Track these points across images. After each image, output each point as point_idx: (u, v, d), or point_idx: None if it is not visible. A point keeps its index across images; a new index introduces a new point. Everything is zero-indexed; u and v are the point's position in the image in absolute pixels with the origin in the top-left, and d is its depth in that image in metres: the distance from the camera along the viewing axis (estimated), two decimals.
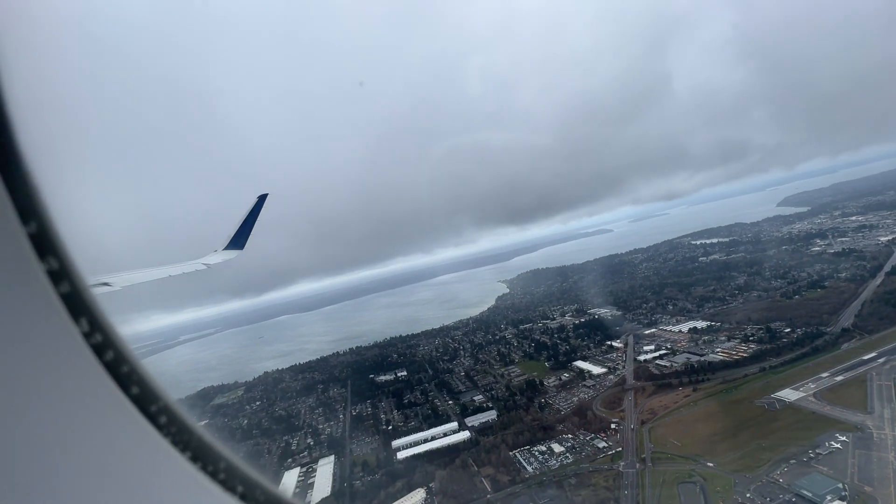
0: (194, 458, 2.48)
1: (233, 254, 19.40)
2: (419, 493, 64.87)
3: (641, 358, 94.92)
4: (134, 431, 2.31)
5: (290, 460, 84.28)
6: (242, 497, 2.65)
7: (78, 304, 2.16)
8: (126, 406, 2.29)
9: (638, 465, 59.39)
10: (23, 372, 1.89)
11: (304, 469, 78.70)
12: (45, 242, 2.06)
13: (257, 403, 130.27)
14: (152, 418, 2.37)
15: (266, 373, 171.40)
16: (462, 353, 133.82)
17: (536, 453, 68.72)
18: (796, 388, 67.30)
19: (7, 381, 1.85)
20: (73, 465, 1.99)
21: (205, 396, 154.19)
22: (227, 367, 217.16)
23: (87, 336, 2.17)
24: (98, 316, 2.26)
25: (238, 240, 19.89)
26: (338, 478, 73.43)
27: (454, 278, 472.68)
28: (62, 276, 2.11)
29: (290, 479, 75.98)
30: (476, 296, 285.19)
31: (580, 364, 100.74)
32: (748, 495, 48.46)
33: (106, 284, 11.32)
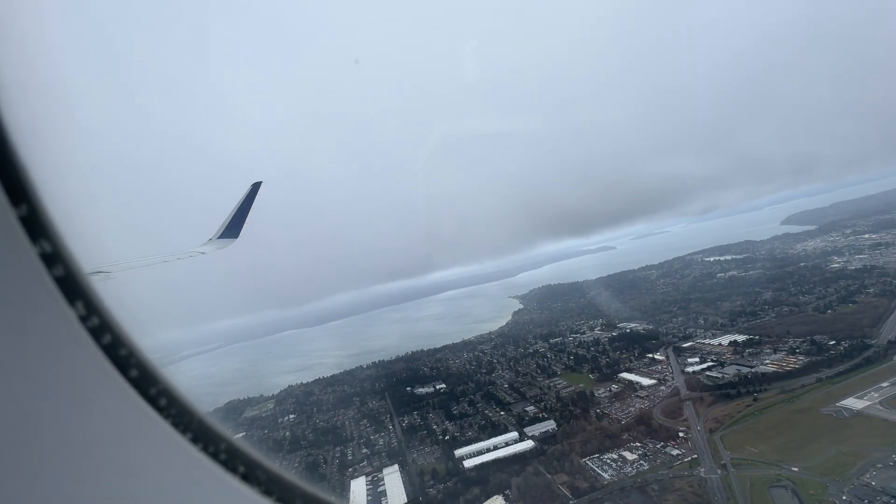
0: (195, 440, 2.53)
1: (227, 243, 19.16)
2: (497, 500, 65.84)
3: (690, 370, 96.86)
4: (134, 414, 2.33)
5: (350, 470, 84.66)
6: (244, 477, 2.70)
7: (73, 287, 2.15)
8: (125, 389, 2.30)
9: (719, 471, 60.97)
10: (19, 357, 1.89)
11: (370, 478, 79.18)
12: (37, 225, 2.05)
13: (293, 416, 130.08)
14: (152, 401, 2.40)
15: (290, 386, 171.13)
16: (498, 366, 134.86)
17: (608, 461, 70.04)
18: (860, 397, 69.52)
19: (3, 366, 1.84)
20: (72, 449, 2.01)
21: (234, 409, 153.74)
22: (245, 381, 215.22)
23: (83, 320, 2.17)
24: (94, 299, 2.26)
25: (232, 229, 19.63)
26: (408, 486, 74.11)
27: (460, 294, 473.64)
28: (56, 260, 2.10)
29: (359, 487, 76.45)
30: (490, 311, 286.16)
31: (627, 376, 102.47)
32: (844, 497, 50.28)
33: (101, 272, 11.09)
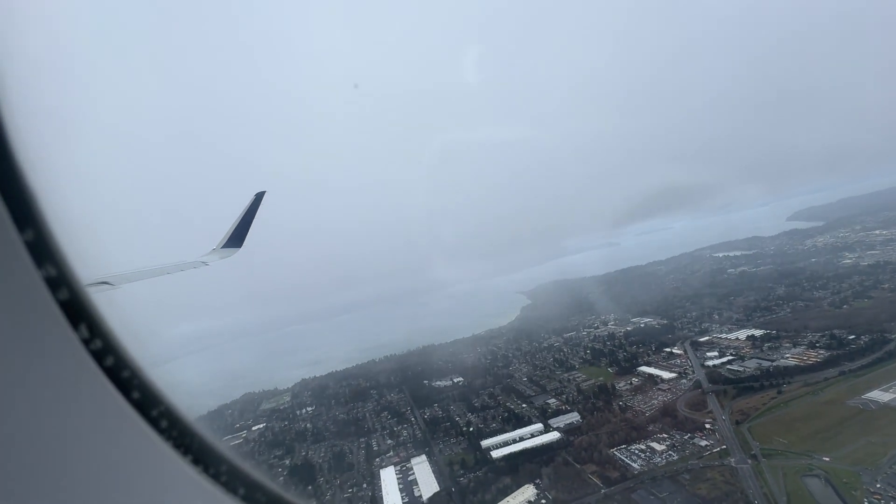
0: (196, 461, 2.56)
1: (231, 252, 19.19)
2: (529, 489, 67.05)
3: (710, 363, 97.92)
4: (136, 436, 2.34)
5: (377, 460, 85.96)
6: (245, 499, 2.71)
7: (77, 310, 2.19)
8: (127, 411, 2.32)
9: (749, 461, 62.08)
10: (22, 380, 1.90)
11: (399, 468, 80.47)
12: (42, 249, 2.08)
13: (310, 408, 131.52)
14: (154, 422, 2.42)
15: (304, 380, 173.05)
16: (514, 360, 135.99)
17: (637, 451, 71.17)
18: (885, 390, 70.48)
19: (7, 389, 1.85)
20: (75, 472, 2.02)
21: (250, 402, 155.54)
22: (256, 375, 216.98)
23: (86, 342, 2.20)
24: (98, 321, 2.29)
25: (236, 238, 19.67)
26: (438, 475, 75.34)
27: (466, 290, 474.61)
28: (60, 283, 2.13)
29: (388, 476, 77.75)
30: (498, 306, 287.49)
31: (646, 369, 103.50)
32: (878, 485, 51.38)
33: (106, 283, 11.08)
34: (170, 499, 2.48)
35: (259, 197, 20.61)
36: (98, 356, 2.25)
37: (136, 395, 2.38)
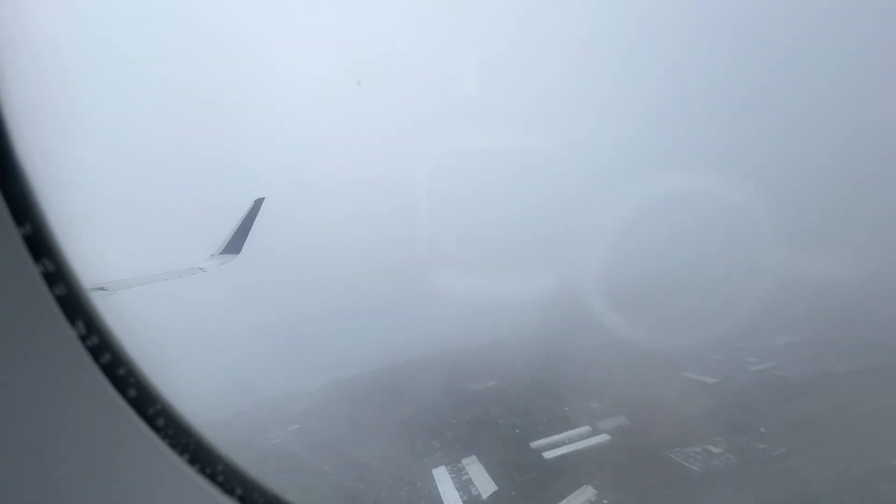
0: (192, 461, 2.57)
1: (229, 258, 19.64)
2: (588, 490, 67.67)
3: (753, 369, 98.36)
4: (131, 434, 2.35)
5: (425, 460, 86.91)
6: (241, 499, 2.73)
7: (74, 306, 2.20)
8: (123, 409, 2.33)
9: (812, 463, 62.48)
10: (19, 375, 1.92)
11: (450, 467, 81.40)
12: (40, 244, 2.10)
13: (343, 408, 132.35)
14: (150, 421, 2.44)
15: (330, 381, 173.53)
16: (545, 363, 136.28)
17: (693, 454, 71.66)
18: None
19: (2, 384, 1.87)
20: (70, 468, 2.04)
21: (278, 404, 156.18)
22: (274, 375, 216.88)
23: (83, 338, 2.22)
24: (94, 318, 2.30)
25: (234, 244, 20.14)
26: (492, 475, 76.10)
27: (478, 292, 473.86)
28: (58, 279, 2.15)
29: (441, 475, 78.63)
30: (515, 309, 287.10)
31: (687, 374, 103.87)
32: None
33: (102, 289, 11.11)
34: (165, 498, 2.50)
35: (258, 203, 20.98)
36: (95, 353, 2.28)
37: (132, 392, 2.41)
